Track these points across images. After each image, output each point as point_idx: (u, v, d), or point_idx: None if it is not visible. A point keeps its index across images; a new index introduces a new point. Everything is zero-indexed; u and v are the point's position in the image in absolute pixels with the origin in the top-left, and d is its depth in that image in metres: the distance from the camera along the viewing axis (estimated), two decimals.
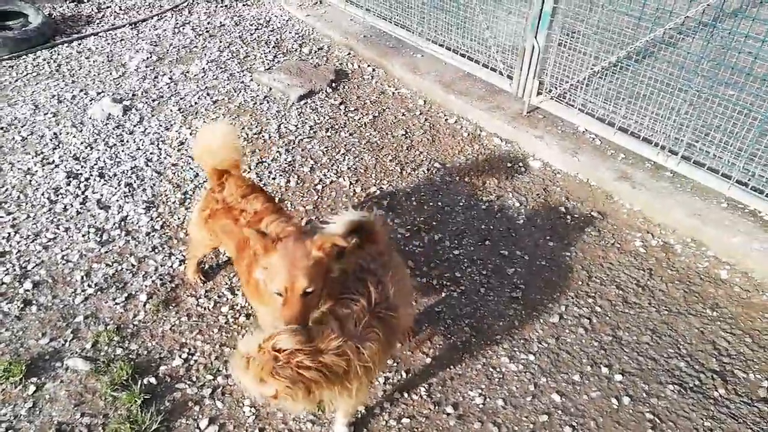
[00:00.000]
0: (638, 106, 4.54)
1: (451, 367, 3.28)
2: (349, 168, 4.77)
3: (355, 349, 2.20)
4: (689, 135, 4.30)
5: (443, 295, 3.71)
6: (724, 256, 3.96)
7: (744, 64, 3.96)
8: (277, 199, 4.37)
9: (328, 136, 5.11)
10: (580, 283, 3.83)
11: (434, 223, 4.28)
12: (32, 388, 3.09)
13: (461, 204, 4.46)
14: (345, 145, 5.01)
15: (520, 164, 4.86)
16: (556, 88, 5.02)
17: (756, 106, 4.02)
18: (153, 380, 3.16)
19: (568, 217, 4.35)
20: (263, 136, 5.07)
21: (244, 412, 3.03)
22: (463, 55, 5.72)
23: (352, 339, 2.20)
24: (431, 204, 4.45)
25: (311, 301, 2.24)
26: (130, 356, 3.27)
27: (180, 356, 3.29)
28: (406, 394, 3.13)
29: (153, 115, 5.29)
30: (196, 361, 3.28)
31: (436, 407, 3.07)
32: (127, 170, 4.64)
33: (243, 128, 5.15)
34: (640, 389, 3.18)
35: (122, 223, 4.16)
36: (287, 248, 2.25)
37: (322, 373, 2.07)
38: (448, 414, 3.05)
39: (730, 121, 4.18)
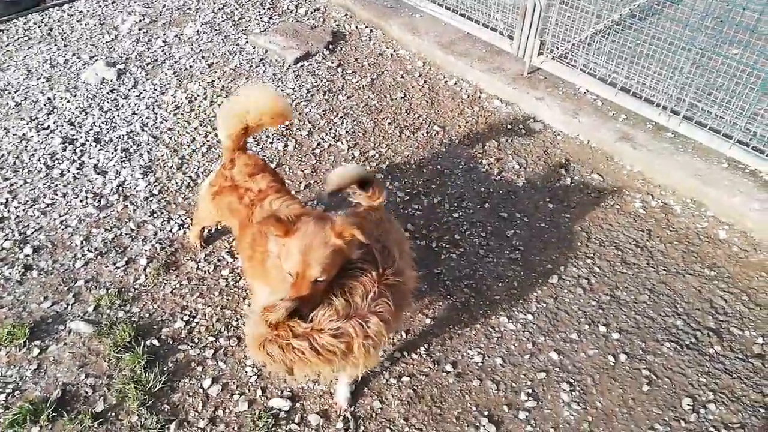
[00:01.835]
0: (641, 65, 4.47)
1: (451, 327, 3.32)
2: (347, 131, 4.72)
3: (358, 326, 2.16)
4: (691, 95, 4.24)
5: (443, 257, 3.73)
6: (724, 217, 3.96)
7: (749, 21, 3.88)
8: (274, 164, 4.36)
9: (326, 100, 5.04)
10: (579, 244, 3.84)
11: (433, 186, 4.26)
12: (36, 350, 3.12)
13: (461, 167, 4.43)
14: (343, 109, 4.95)
15: (521, 126, 4.81)
16: (557, 48, 4.93)
17: (759, 64, 3.96)
18: (156, 342, 3.19)
19: (568, 179, 4.33)
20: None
21: (246, 372, 3.07)
22: (462, 15, 5.60)
23: (358, 315, 2.15)
24: (430, 167, 4.42)
25: (320, 287, 2.18)
26: (132, 319, 3.30)
27: (182, 319, 3.32)
28: (406, 353, 3.17)
29: (147, 79, 5.21)
30: (197, 323, 3.31)
31: (436, 365, 3.12)
32: (123, 135, 4.60)
33: None
34: (636, 347, 3.22)
35: (120, 188, 4.14)
36: (306, 233, 2.16)
37: (315, 352, 2.05)
38: (447, 372, 3.09)
39: (733, 80, 4.12)
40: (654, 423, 2.89)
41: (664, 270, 3.65)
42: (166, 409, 2.90)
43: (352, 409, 2.92)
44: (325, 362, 2.11)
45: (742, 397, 3.00)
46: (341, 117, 4.86)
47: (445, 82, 5.29)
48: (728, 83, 4.14)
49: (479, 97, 5.12)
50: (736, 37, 4.00)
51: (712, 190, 4.02)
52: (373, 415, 2.90)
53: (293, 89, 5.13)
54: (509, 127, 4.80)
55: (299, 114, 4.88)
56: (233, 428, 2.84)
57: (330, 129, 4.74)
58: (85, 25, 5.96)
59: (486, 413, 2.92)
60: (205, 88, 5.11)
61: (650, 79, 4.49)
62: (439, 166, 4.43)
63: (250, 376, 3.05)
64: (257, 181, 2.93)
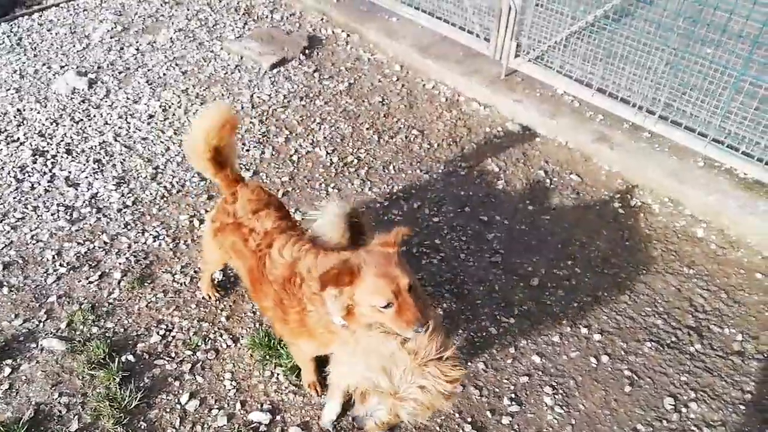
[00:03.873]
0: (616, 66, 4.49)
1: None
2: (325, 137, 4.67)
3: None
4: (666, 94, 4.28)
5: (423, 262, 3.70)
6: (701, 215, 3.99)
7: (720, 20, 3.92)
8: (251, 172, 4.30)
9: (303, 105, 4.99)
10: (559, 246, 3.84)
11: (413, 191, 4.24)
12: (7, 369, 3.03)
13: (440, 171, 4.41)
14: (320, 114, 4.91)
15: (499, 129, 4.80)
16: (533, 50, 4.94)
17: (732, 63, 4.00)
18: (131, 358, 3.11)
19: (547, 180, 4.33)
20: (235, 107, 4.94)
21: (224, 386, 3.01)
22: (439, 18, 5.59)
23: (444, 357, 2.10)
24: (410, 172, 4.40)
25: (417, 296, 2.12)
26: (107, 334, 3.22)
27: (158, 333, 3.24)
28: None
29: (120, 88, 5.11)
30: (174, 337, 3.23)
31: None
32: (96, 146, 4.50)
33: (214, 99, 5.01)
34: (618, 347, 3.22)
35: (92, 200, 4.04)
36: (369, 264, 2.08)
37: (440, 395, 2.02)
38: None
39: (706, 80, 4.16)
40: (636, 424, 2.88)
41: (644, 269, 3.66)
42: (142, 427, 2.82)
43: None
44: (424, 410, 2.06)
45: (723, 394, 3.01)
46: (319, 123, 4.81)
47: (423, 85, 5.27)
48: (702, 82, 4.18)
49: (457, 100, 5.11)
50: (708, 36, 4.04)
51: (689, 189, 4.05)
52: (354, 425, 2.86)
53: (269, 95, 5.07)
54: (488, 129, 4.80)
55: (276, 120, 4.82)
56: None
57: (308, 135, 4.69)
58: (56, 34, 5.84)
59: (469, 419, 2.89)
60: (179, 96, 5.03)
61: (625, 79, 4.52)
62: (418, 171, 4.40)
63: (229, 390, 2.99)
64: (262, 220, 2.67)
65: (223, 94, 5.07)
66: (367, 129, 4.78)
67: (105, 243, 3.74)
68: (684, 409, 2.94)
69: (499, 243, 3.85)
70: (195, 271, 3.59)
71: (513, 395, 3.00)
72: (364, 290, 2.06)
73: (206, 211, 3.98)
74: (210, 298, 3.42)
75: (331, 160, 4.46)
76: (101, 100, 4.98)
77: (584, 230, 3.94)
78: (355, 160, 4.47)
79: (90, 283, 3.49)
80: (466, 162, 4.49)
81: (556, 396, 3.00)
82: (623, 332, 3.30)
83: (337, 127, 4.78)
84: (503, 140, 4.70)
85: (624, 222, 3.99)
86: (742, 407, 2.96)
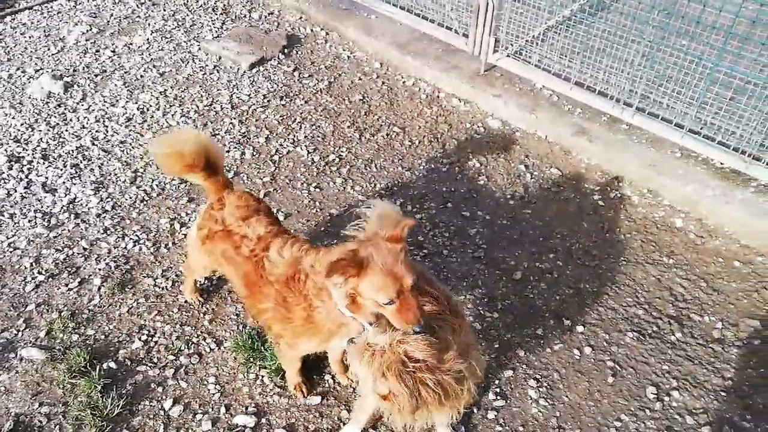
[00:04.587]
0: (593, 59, 4.52)
1: None
2: (306, 137, 4.65)
3: (474, 371, 2.17)
4: (643, 86, 4.32)
5: None
6: (679, 205, 4.04)
7: (694, 12, 3.96)
8: (232, 173, 4.27)
9: (283, 105, 4.96)
10: (541, 239, 3.86)
11: (395, 188, 4.23)
12: None
13: (422, 167, 4.41)
14: (301, 113, 4.88)
15: (479, 124, 4.82)
16: (512, 45, 4.95)
17: (706, 54, 4.05)
18: (113, 365, 3.08)
19: (528, 175, 4.35)
20: (215, 108, 4.90)
21: (209, 390, 2.99)
22: (417, 15, 5.59)
23: (464, 356, 2.13)
24: (391, 169, 4.39)
25: (416, 295, 2.14)
26: (87, 342, 3.18)
27: (139, 338, 3.20)
28: None
29: (96, 91, 5.04)
30: (156, 342, 3.20)
31: None
32: (72, 150, 4.43)
33: (193, 100, 4.96)
34: (600, 339, 3.25)
35: (70, 205, 3.98)
36: (375, 257, 2.08)
37: (435, 392, 2.01)
38: None
39: (682, 71, 4.20)
40: (620, 414, 2.92)
41: (624, 260, 3.70)
42: None
43: None
44: (440, 404, 2.07)
45: (704, 382, 3.05)
46: (299, 122, 4.79)
47: (404, 82, 5.27)
48: (678, 74, 4.23)
49: (437, 96, 5.11)
50: (683, 28, 4.09)
51: (667, 180, 4.09)
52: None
53: (249, 95, 5.04)
54: (468, 125, 4.81)
55: (256, 121, 4.79)
56: None
57: (288, 135, 4.66)
58: (30, 37, 5.74)
59: None
60: (157, 98, 4.97)
61: (603, 72, 4.55)
62: (400, 168, 4.40)
63: (213, 394, 2.97)
64: (253, 227, 2.63)
65: (201, 95, 5.02)
66: (348, 127, 4.76)
67: (84, 249, 3.69)
68: (666, 398, 2.98)
69: (482, 238, 3.86)
70: (176, 275, 3.55)
71: (498, 389, 3.01)
72: (369, 285, 2.09)
73: (187, 214, 3.95)
74: (194, 302, 3.38)
75: (312, 159, 4.44)
76: (77, 103, 4.90)
77: (565, 223, 3.97)
78: (337, 159, 4.46)
79: (69, 290, 3.44)
80: (448, 158, 4.50)
81: (541, 389, 3.02)
82: (605, 323, 3.33)
83: (318, 126, 4.76)
84: (484, 136, 4.71)
85: (604, 214, 4.03)
86: (723, 394, 3.00)
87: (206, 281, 3.47)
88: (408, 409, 2.03)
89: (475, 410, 2.91)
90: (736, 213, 3.84)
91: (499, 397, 2.98)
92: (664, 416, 2.91)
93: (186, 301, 3.39)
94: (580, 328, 3.30)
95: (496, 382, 3.05)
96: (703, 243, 3.81)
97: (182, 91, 5.06)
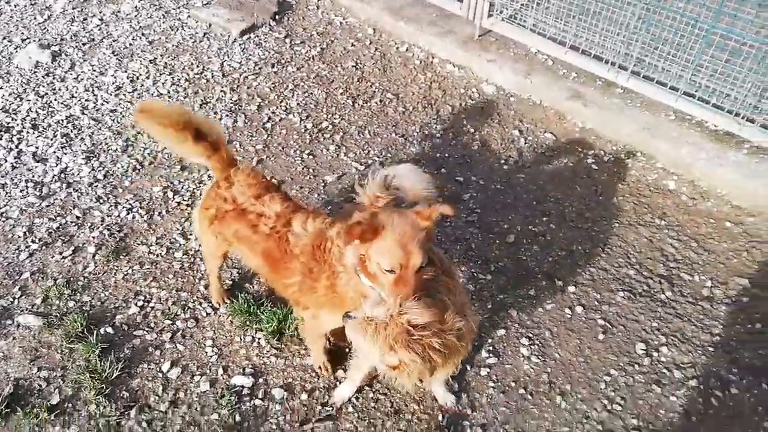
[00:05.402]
0: (588, 23, 4.47)
1: None
2: (298, 104, 4.61)
3: (471, 327, 2.20)
4: (638, 49, 4.28)
5: None
6: (672, 168, 4.05)
7: None
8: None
9: (275, 72, 4.91)
10: (535, 203, 3.88)
11: (389, 155, 4.22)
12: None
13: (415, 134, 4.40)
14: (293, 81, 4.83)
15: (474, 90, 4.78)
16: (506, 9, 4.89)
17: (702, 16, 4.00)
18: (110, 330, 3.10)
19: (522, 139, 4.34)
20: (206, 76, 4.84)
21: (206, 353, 3.03)
22: None
23: (461, 315, 2.15)
24: (385, 136, 4.37)
25: (422, 276, 2.14)
26: (84, 308, 3.20)
27: (136, 304, 3.23)
28: None
29: (85, 60, 4.97)
30: (152, 307, 3.23)
31: None
32: (62, 120, 4.39)
33: (183, 68, 4.90)
34: (592, 298, 3.29)
35: (62, 175, 3.96)
36: (397, 224, 2.09)
37: (442, 353, 2.04)
38: None
39: (677, 34, 4.16)
40: (610, 369, 2.97)
41: (617, 222, 3.72)
42: (125, 396, 2.83)
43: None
44: (446, 362, 2.11)
45: (692, 338, 3.11)
46: (291, 89, 4.75)
47: (397, 48, 5.21)
48: (673, 37, 4.19)
49: (431, 62, 5.06)
50: None
51: (661, 143, 4.09)
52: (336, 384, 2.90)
53: (240, 63, 4.97)
54: (463, 91, 4.78)
55: (248, 88, 4.74)
56: (196, 409, 2.80)
57: (280, 102, 4.62)
58: (15, 6, 5.62)
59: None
60: (147, 67, 4.91)
61: (598, 36, 4.50)
62: (393, 134, 4.38)
63: (210, 357, 3.00)
64: (268, 204, 2.57)
65: (192, 63, 4.96)
66: (341, 94, 4.72)
67: (77, 218, 3.69)
68: (655, 354, 3.04)
69: (476, 202, 3.87)
70: (171, 242, 3.56)
71: (491, 348, 3.06)
72: (378, 247, 2.11)
73: (180, 183, 3.94)
74: (220, 306, 3.22)
75: (305, 126, 4.42)
76: (66, 72, 4.84)
77: (558, 187, 3.98)
78: (330, 126, 4.43)
79: (64, 258, 3.45)
80: (442, 124, 4.48)
81: (533, 347, 3.07)
82: (597, 283, 3.37)
83: (311, 93, 4.72)
84: (478, 101, 4.68)
85: (597, 177, 4.04)
86: (710, 349, 3.06)
87: (229, 281, 3.37)
88: (419, 374, 2.08)
89: (468, 367, 2.97)
90: (729, 175, 3.85)
91: (491, 355, 3.02)
92: (653, 371, 2.97)
93: (182, 267, 3.41)
94: (571, 289, 3.34)
95: (489, 340, 3.09)
96: (695, 204, 3.83)
97: (172, 59, 5.00)
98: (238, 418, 2.76)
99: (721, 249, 3.55)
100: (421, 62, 5.06)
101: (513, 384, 2.91)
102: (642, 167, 4.09)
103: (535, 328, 3.15)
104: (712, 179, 3.93)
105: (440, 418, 2.77)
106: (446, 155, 4.23)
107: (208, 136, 2.67)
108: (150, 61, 4.97)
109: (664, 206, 3.82)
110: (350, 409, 2.81)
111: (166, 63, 4.96)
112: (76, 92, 4.64)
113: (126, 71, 4.86)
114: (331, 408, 2.80)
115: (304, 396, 2.85)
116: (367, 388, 2.87)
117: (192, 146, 2.65)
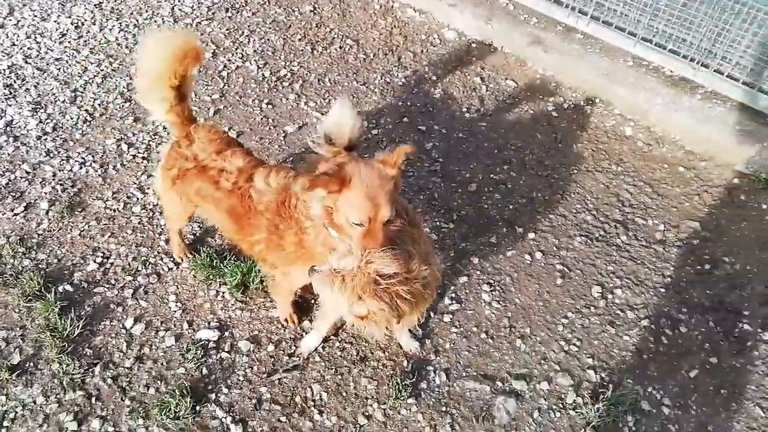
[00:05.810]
0: None
1: None
2: (255, 51, 4.45)
3: (435, 275, 2.21)
4: None
5: None
6: (629, 114, 4.12)
7: None
8: None
9: (229, 17, 4.70)
10: (496, 151, 3.91)
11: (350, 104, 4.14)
12: None
13: (377, 81, 4.32)
14: (248, 26, 4.64)
15: (435, 36, 4.69)
16: None
17: None
18: (68, 287, 3.04)
19: (483, 87, 4.32)
20: (155, 21, 4.60)
21: (170, 308, 3.01)
22: None
23: (426, 264, 2.15)
24: (346, 84, 4.28)
25: (389, 228, 2.11)
26: (40, 266, 3.11)
27: (94, 261, 3.16)
28: None
29: (25, 5, 4.64)
30: (112, 264, 3.17)
31: None
32: (4, 69, 4.13)
33: (131, 13, 4.63)
34: (551, 244, 3.39)
35: (7, 128, 3.77)
36: (364, 176, 2.04)
37: (409, 301, 2.05)
38: None
39: None
40: (567, 312, 3.10)
41: (575, 169, 3.80)
42: (88, 354, 2.81)
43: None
44: (413, 309, 2.13)
45: (645, 280, 3.25)
46: (247, 35, 4.56)
47: None
48: None
49: (392, 7, 4.92)
50: None
51: (619, 89, 4.14)
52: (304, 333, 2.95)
53: (192, 7, 4.73)
54: (424, 37, 4.68)
55: (201, 35, 4.53)
56: (162, 363, 2.81)
57: (236, 49, 4.45)
58: None
59: None
60: (92, 12, 4.62)
61: None
62: (354, 82, 4.30)
63: (174, 312, 2.99)
64: (230, 159, 2.51)
65: (140, 8, 4.69)
66: (300, 40, 4.57)
67: (27, 173, 3.54)
68: (610, 296, 3.17)
69: (438, 152, 3.88)
70: (128, 197, 3.47)
71: (453, 295, 3.14)
72: (346, 201, 2.08)
73: (134, 134, 3.80)
74: (182, 261, 3.18)
75: (263, 74, 4.28)
76: (5, 18, 4.51)
77: (519, 135, 4.01)
78: (289, 74, 4.31)
79: (15, 215, 3.33)
80: (403, 71, 4.40)
81: (494, 293, 3.16)
82: (555, 230, 3.46)
83: (268, 39, 4.55)
84: (439, 48, 4.61)
85: (557, 125, 4.08)
86: (662, 290, 3.22)
87: (191, 235, 3.32)
88: (387, 322, 2.11)
89: (432, 314, 3.05)
90: (684, 120, 3.95)
91: (454, 302, 3.11)
92: (608, 312, 3.11)
93: (140, 222, 3.34)
94: (531, 235, 3.43)
95: (452, 288, 3.17)
96: (650, 150, 3.93)
97: (119, 3, 4.71)
98: (205, 371, 2.79)
99: (674, 193, 3.67)
100: (381, 6, 4.92)
101: (475, 329, 3.01)
102: (600, 113, 4.15)
103: (496, 275, 3.24)
104: (667, 125, 4.02)
105: (405, 363, 2.86)
106: (408, 104, 4.18)
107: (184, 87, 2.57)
108: (95, 5, 4.67)
109: (620, 152, 3.91)
110: (317, 358, 2.86)
111: (112, 8, 4.67)
112: (17, 40, 4.36)
113: (70, 16, 4.57)
114: (298, 358, 2.85)
115: (270, 347, 2.89)
116: (333, 337, 2.92)
117: (167, 92, 2.52)
